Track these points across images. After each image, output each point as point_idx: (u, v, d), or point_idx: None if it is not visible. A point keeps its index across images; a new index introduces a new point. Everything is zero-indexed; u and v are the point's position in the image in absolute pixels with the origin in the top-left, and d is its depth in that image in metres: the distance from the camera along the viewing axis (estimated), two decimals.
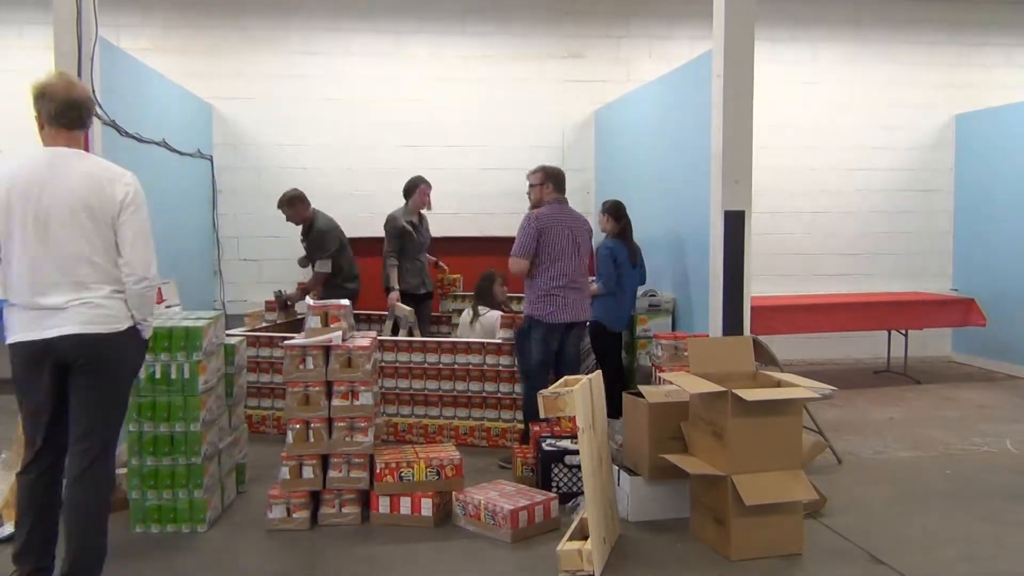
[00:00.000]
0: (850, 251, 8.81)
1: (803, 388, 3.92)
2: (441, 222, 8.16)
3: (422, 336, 6.29)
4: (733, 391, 3.76)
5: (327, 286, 6.71)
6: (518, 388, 5.58)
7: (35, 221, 3.19)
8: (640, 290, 6.36)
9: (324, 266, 6.74)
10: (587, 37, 8.56)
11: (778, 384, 4.01)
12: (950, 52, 8.93)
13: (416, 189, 6.76)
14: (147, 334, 3.41)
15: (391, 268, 6.52)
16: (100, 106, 4.96)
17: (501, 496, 4.18)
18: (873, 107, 8.78)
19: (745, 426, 3.78)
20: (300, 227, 6.93)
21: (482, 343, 5.69)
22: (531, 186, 5.54)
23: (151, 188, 6.03)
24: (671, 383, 4.18)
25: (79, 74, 4.84)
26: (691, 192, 5.76)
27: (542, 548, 3.93)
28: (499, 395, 5.61)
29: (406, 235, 6.59)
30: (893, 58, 8.84)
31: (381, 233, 6.83)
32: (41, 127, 3.46)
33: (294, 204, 6.78)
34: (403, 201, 6.79)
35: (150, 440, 4.10)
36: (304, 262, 7.07)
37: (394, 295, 6.42)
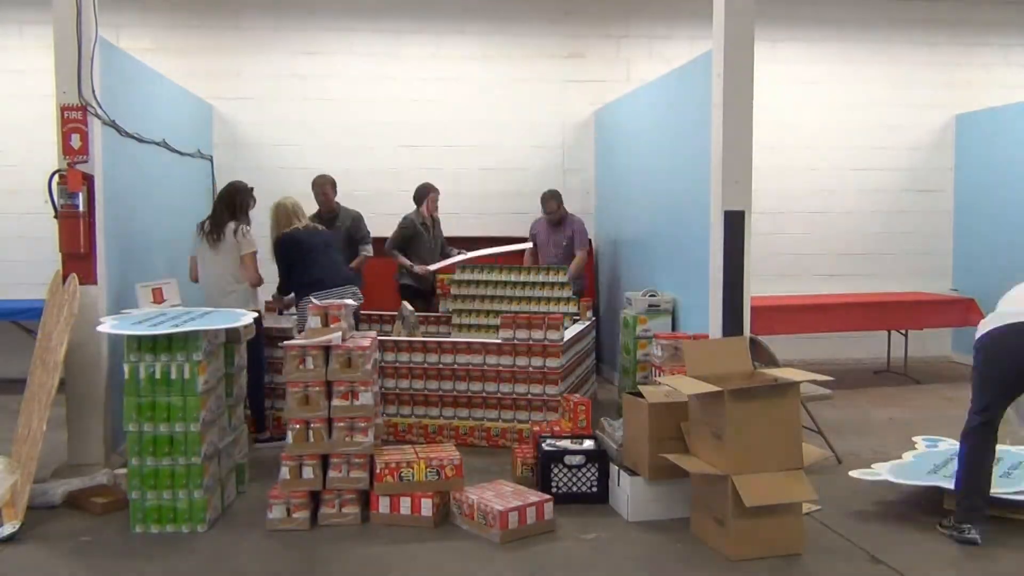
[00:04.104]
0: (850, 251, 8.80)
1: (795, 371, 3.95)
2: (441, 222, 8.17)
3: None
4: (728, 389, 3.76)
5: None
6: (518, 388, 5.58)
7: None
8: (640, 290, 6.38)
9: (369, 250, 6.90)
10: (587, 37, 8.55)
11: (775, 380, 4.00)
12: (950, 52, 8.92)
13: (426, 197, 7.19)
14: None
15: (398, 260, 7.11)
16: (100, 106, 4.97)
17: (496, 496, 4.18)
18: (873, 107, 8.77)
19: (743, 423, 3.77)
20: (320, 216, 6.87)
21: (483, 343, 5.69)
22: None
23: (151, 188, 6.08)
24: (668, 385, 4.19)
25: (79, 74, 4.85)
26: (691, 192, 5.76)
27: (533, 549, 3.94)
28: (499, 395, 5.61)
29: (416, 235, 7.07)
30: (893, 58, 8.84)
31: (382, 233, 6.93)
32: None
33: (333, 187, 6.85)
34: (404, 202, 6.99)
35: (150, 440, 4.10)
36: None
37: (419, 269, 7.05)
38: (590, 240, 7.77)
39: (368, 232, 6.96)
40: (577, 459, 4.53)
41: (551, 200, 7.46)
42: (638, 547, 3.99)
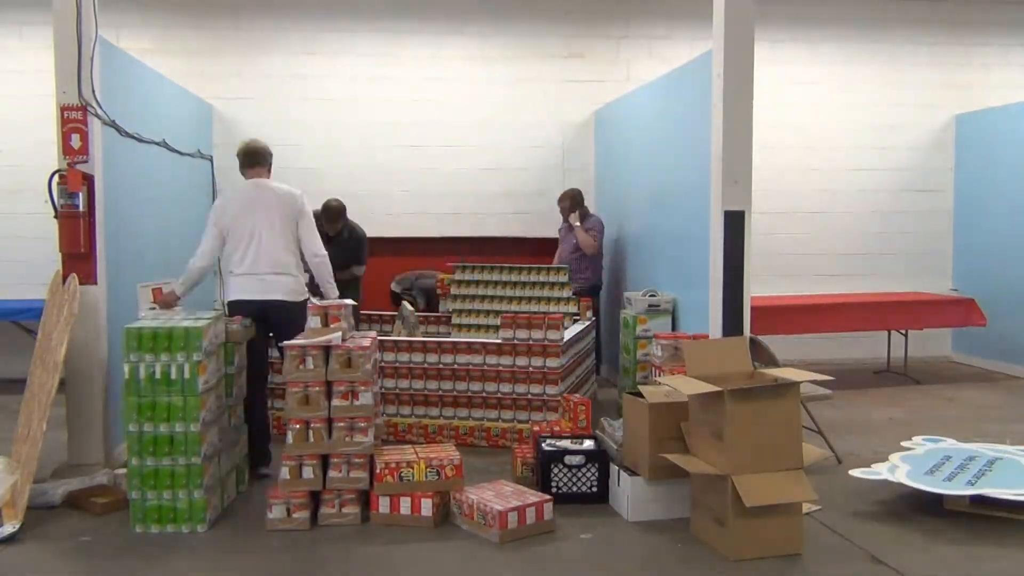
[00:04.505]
0: (850, 251, 8.80)
1: (795, 371, 3.95)
2: (441, 221, 8.19)
3: None
4: (728, 389, 3.76)
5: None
6: (518, 388, 5.59)
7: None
8: (640, 290, 6.38)
9: (361, 271, 6.96)
10: (587, 37, 8.55)
11: (775, 380, 4.01)
12: (950, 52, 8.92)
13: None
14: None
15: None
16: (100, 106, 4.97)
17: (496, 496, 4.18)
18: (873, 107, 8.77)
19: (743, 423, 3.77)
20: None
21: (483, 343, 5.69)
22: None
23: (151, 188, 6.08)
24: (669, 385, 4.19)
25: (79, 74, 4.85)
26: (691, 192, 5.76)
27: (533, 549, 3.94)
28: (499, 395, 5.61)
29: None
30: (893, 58, 8.84)
31: (381, 233, 6.93)
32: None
33: (335, 218, 6.84)
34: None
35: (150, 440, 4.10)
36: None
37: None
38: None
39: (366, 255, 7.00)
40: (577, 459, 4.53)
41: (563, 199, 7.40)
42: (638, 547, 3.99)
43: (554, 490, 4.46)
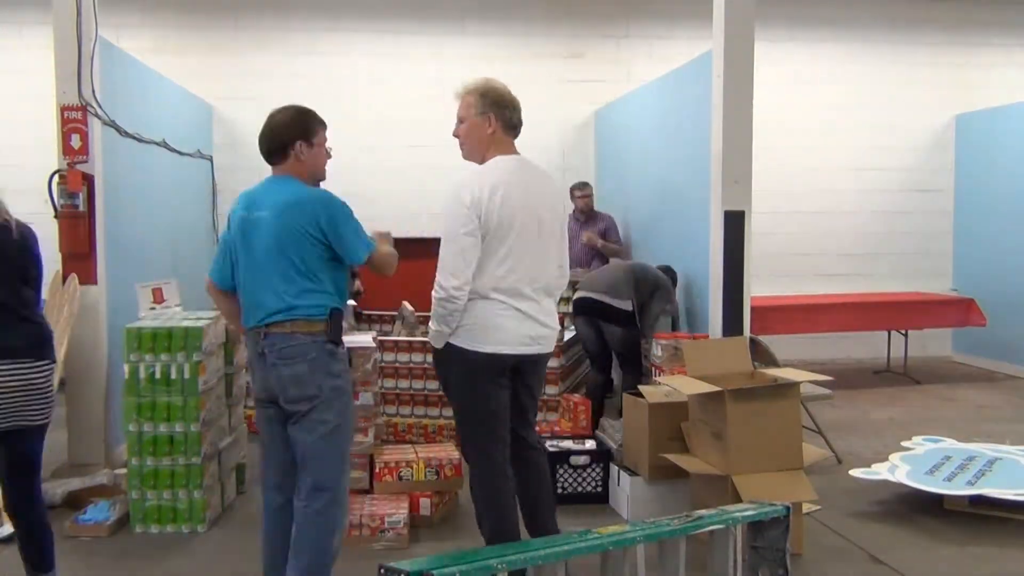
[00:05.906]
0: (850, 251, 8.80)
1: (795, 371, 3.96)
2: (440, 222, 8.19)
3: None
4: (728, 389, 3.76)
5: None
6: None
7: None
8: None
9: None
10: (587, 37, 8.55)
11: (775, 380, 4.01)
12: (950, 52, 8.92)
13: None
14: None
15: None
16: (100, 106, 4.97)
17: None
18: (873, 107, 8.77)
19: (743, 423, 3.77)
20: None
21: None
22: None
23: (151, 188, 6.08)
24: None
25: (79, 74, 4.85)
26: (691, 192, 5.76)
27: None
28: None
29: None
30: (893, 58, 8.84)
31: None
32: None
33: None
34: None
35: (150, 440, 4.10)
36: None
37: None
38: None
39: None
40: (583, 459, 4.53)
41: (573, 189, 7.18)
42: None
43: (559, 491, 4.45)
